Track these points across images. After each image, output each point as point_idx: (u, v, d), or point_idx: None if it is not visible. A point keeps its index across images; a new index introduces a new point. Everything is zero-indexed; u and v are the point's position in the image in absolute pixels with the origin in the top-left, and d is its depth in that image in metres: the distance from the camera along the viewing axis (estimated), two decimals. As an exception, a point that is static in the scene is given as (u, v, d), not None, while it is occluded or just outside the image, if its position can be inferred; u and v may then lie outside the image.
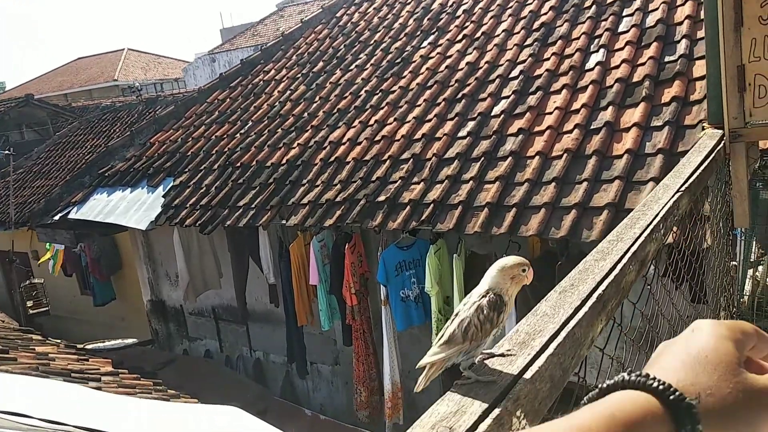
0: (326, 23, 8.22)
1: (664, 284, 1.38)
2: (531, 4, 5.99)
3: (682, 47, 4.33)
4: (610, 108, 4.23)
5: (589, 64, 4.78)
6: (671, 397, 0.40)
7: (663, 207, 1.23)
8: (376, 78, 6.31)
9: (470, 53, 5.81)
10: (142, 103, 14.09)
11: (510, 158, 4.33)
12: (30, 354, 4.97)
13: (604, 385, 0.43)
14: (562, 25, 5.41)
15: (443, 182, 4.48)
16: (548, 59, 5.08)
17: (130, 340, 8.34)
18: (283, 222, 5.21)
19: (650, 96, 4.13)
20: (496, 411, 0.57)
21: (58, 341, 6.35)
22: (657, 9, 4.86)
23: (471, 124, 4.85)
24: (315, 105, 6.46)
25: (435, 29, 6.59)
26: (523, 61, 5.23)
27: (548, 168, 4.11)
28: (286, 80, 7.31)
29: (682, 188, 1.36)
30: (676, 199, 1.29)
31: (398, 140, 5.18)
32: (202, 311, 7.83)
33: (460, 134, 4.85)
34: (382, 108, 5.74)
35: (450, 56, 5.95)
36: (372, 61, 6.63)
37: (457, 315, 0.75)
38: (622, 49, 4.70)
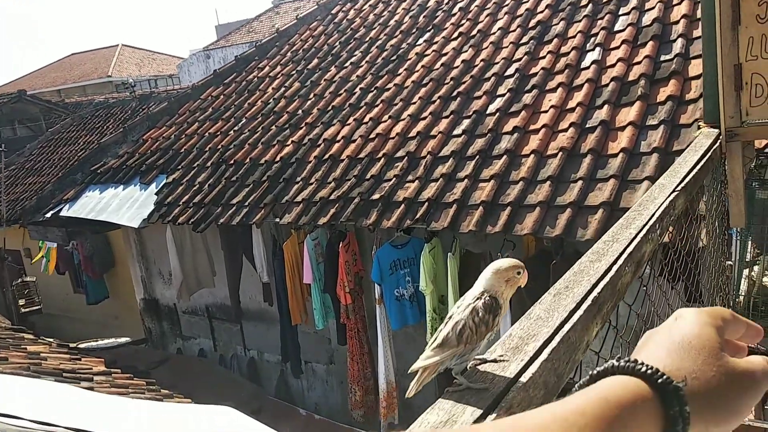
0: (321, 20, 8.18)
1: (660, 284, 1.36)
2: (527, 2, 5.97)
3: (678, 46, 4.32)
4: (606, 107, 4.22)
5: (585, 63, 4.77)
6: (659, 381, 0.42)
7: (659, 207, 1.21)
8: (371, 75, 6.28)
9: (466, 51, 5.79)
10: (135, 100, 13.99)
11: (505, 156, 4.32)
12: (21, 353, 4.92)
13: (595, 372, 0.45)
14: (558, 24, 5.40)
15: (438, 180, 4.46)
16: (544, 57, 5.06)
17: (123, 339, 8.29)
18: (277, 220, 5.18)
19: (646, 95, 4.13)
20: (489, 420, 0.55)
21: (51, 340, 6.31)
22: (653, 8, 4.86)
23: (466, 122, 4.84)
24: (309, 102, 6.43)
25: (431, 27, 6.57)
26: (519, 60, 5.21)
27: (543, 166, 4.10)
28: (281, 77, 7.27)
29: (678, 188, 1.35)
30: (672, 199, 1.28)
31: (393, 138, 5.16)
32: (196, 310, 7.79)
33: (455, 132, 4.84)
34: (377, 106, 5.72)
35: (446, 54, 5.93)
36: (367, 59, 6.60)
37: (450, 317, 0.73)
38: (617, 47, 4.69)
